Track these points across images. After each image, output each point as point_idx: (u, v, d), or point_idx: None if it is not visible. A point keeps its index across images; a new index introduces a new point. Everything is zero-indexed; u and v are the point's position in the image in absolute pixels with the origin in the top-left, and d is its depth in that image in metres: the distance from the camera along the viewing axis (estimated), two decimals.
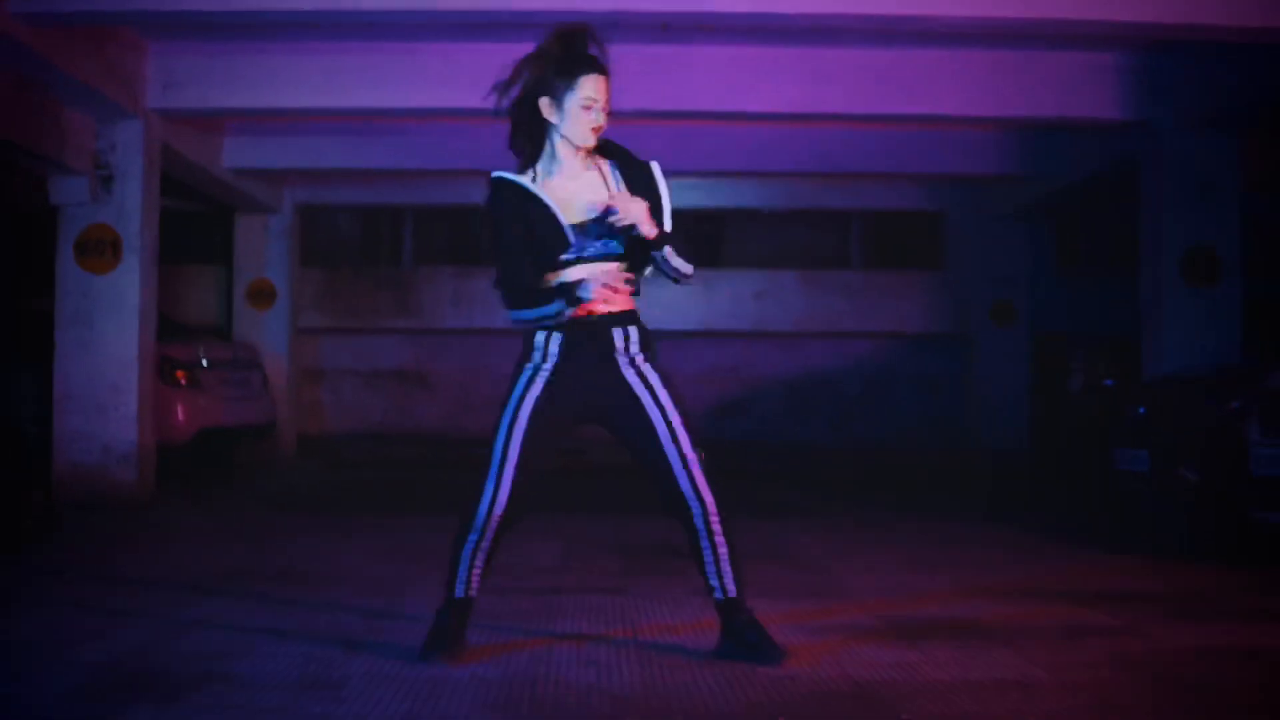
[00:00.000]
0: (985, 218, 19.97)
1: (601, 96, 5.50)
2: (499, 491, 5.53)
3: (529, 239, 5.51)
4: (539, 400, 5.56)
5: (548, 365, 5.56)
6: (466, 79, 12.84)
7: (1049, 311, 20.63)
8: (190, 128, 14.85)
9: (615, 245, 5.52)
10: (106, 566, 8.67)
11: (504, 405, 5.60)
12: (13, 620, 6.65)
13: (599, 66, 5.54)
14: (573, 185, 5.59)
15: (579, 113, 5.49)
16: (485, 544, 5.61)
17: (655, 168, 5.69)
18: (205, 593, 7.45)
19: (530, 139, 5.62)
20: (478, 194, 17.79)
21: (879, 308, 21.15)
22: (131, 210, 13.10)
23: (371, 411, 21.66)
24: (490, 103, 5.53)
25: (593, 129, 5.52)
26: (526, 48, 5.57)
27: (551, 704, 4.92)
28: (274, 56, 12.96)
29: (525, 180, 5.57)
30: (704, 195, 19.26)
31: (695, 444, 5.57)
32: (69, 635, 6.18)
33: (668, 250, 5.50)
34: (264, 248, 19.54)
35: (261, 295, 19.38)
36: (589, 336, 5.54)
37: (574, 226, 5.50)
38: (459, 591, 5.63)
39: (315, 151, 16.56)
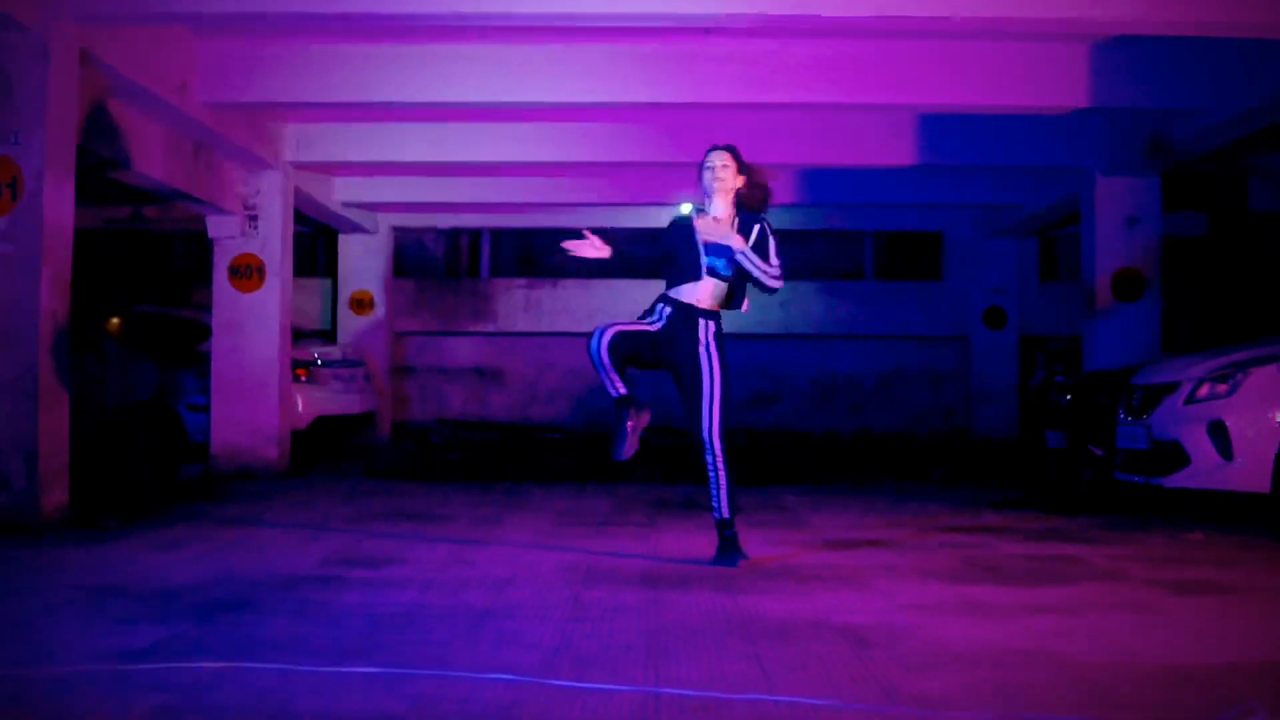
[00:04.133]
0: (977, 236, 23.11)
1: (714, 164, 8.43)
2: (604, 335, 8.11)
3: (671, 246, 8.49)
4: (644, 331, 8.33)
5: (660, 322, 8.37)
6: (540, 142, 16.13)
7: (1032, 317, 23.62)
8: (312, 172, 18.16)
9: (723, 266, 8.33)
10: (287, 511, 11.90)
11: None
12: (249, 538, 9.85)
13: (715, 148, 8.53)
14: (710, 225, 8.35)
15: (701, 173, 8.52)
16: (606, 359, 8.11)
17: (758, 225, 8.41)
18: (365, 523, 10.79)
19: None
20: (542, 221, 21.02)
21: (889, 313, 24.19)
22: (273, 241, 16.35)
23: (453, 402, 24.75)
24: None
25: (708, 183, 8.43)
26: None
27: (603, 571, 8.19)
28: (385, 121, 16.26)
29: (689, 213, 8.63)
30: None
31: (723, 414, 8.29)
32: (289, 544, 9.49)
33: (742, 255, 8.27)
34: (364, 263, 22.80)
35: (362, 304, 22.66)
36: (685, 316, 8.35)
37: (706, 244, 8.34)
38: (613, 392, 8.23)
39: (410, 188, 19.95)
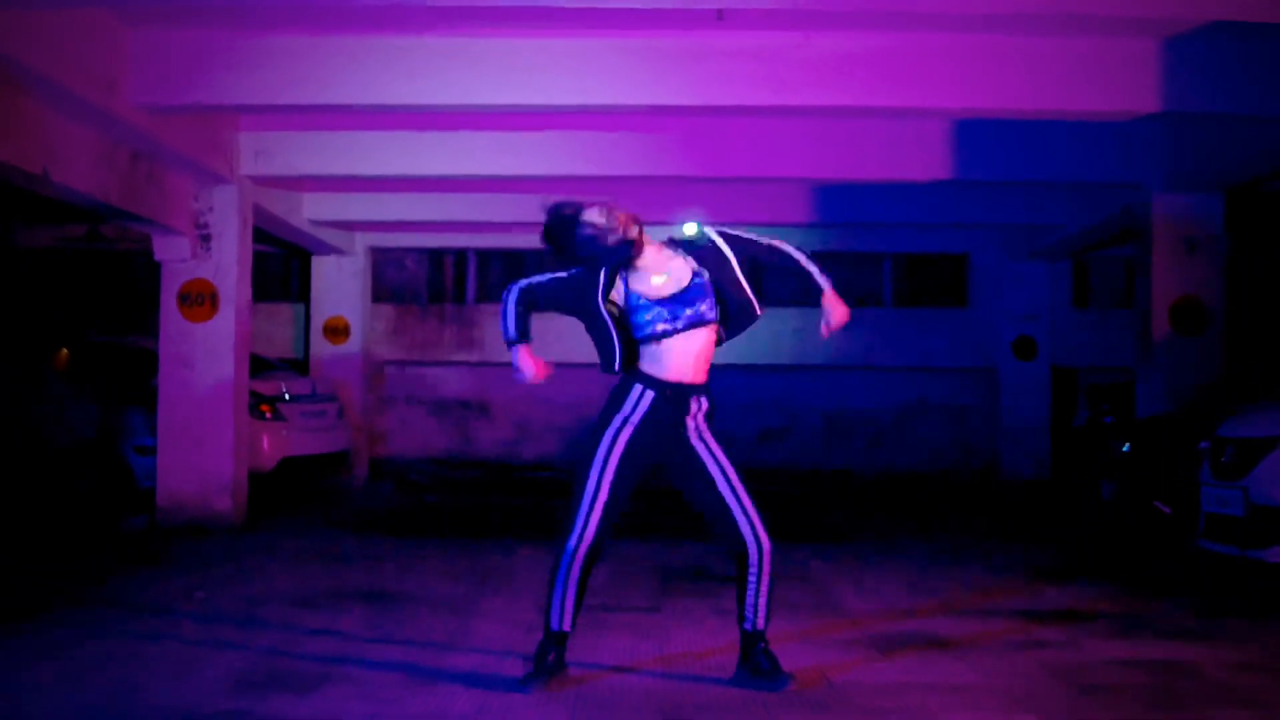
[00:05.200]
0: (1006, 259, 21.34)
1: (602, 222, 6.50)
2: (587, 527, 6.41)
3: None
4: (626, 449, 6.46)
5: (635, 417, 6.48)
6: (529, 153, 14.46)
7: (1065, 347, 21.87)
8: (276, 187, 16.37)
9: (703, 314, 6.53)
10: (223, 587, 10.11)
11: (595, 449, 6.48)
12: (155, 642, 8.02)
13: (591, 206, 6.57)
14: (656, 273, 6.59)
15: (602, 240, 6.51)
16: (575, 575, 6.45)
17: (713, 234, 6.75)
18: (308, 609, 8.97)
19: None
20: (533, 242, 19.24)
21: (909, 342, 22.33)
22: (228, 265, 14.54)
23: (436, 437, 23.02)
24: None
25: (631, 251, 6.53)
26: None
27: (598, 698, 6.39)
28: (354, 129, 14.49)
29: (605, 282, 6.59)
30: None
31: (753, 497, 6.53)
32: (204, 649, 7.68)
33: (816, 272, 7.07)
34: (339, 287, 21.08)
35: (337, 331, 20.89)
36: (674, 399, 6.49)
37: (667, 300, 6.52)
38: (554, 624, 6.51)
39: (387, 205, 18.15)
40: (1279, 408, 10.26)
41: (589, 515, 6.45)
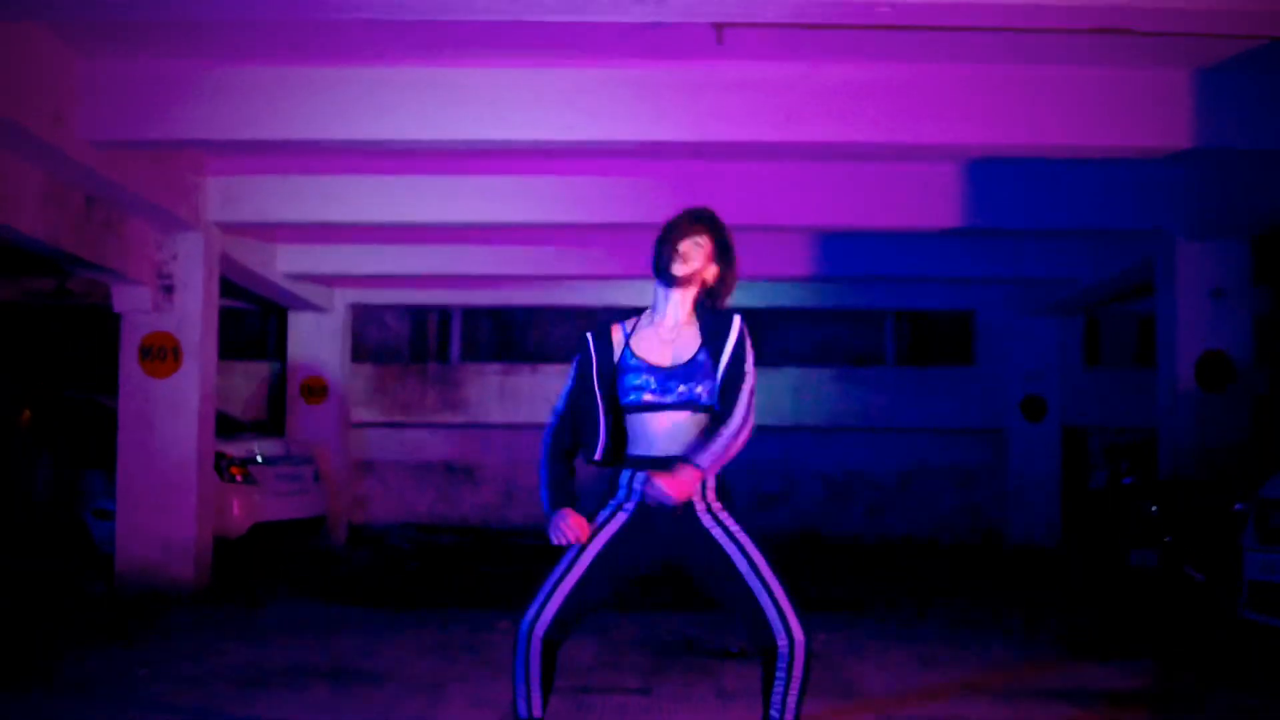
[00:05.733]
0: (1014, 315, 20.54)
1: (682, 247, 5.53)
2: (547, 605, 5.42)
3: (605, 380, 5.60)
4: (615, 535, 5.50)
5: (630, 504, 5.51)
6: (513, 199, 13.65)
7: (1076, 406, 21.08)
8: (247, 237, 15.52)
9: (698, 395, 5.49)
10: (170, 662, 9.21)
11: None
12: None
13: (691, 217, 5.60)
14: (667, 336, 5.60)
15: (659, 251, 5.55)
16: (535, 658, 5.43)
17: (736, 321, 5.59)
18: (260, 690, 8.09)
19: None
20: (520, 297, 18.58)
21: (913, 403, 21.62)
22: (192, 318, 13.72)
23: (418, 502, 22.23)
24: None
25: (671, 266, 5.52)
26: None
27: None
28: (326, 174, 13.65)
29: (616, 332, 5.67)
30: (742, 296, 19.77)
31: (786, 588, 5.40)
32: None
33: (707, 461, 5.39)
34: (317, 344, 20.22)
35: (314, 391, 20.01)
36: None
37: (660, 370, 5.52)
38: (521, 711, 5.47)
39: (366, 258, 17.27)
40: None
41: (552, 591, 5.43)
